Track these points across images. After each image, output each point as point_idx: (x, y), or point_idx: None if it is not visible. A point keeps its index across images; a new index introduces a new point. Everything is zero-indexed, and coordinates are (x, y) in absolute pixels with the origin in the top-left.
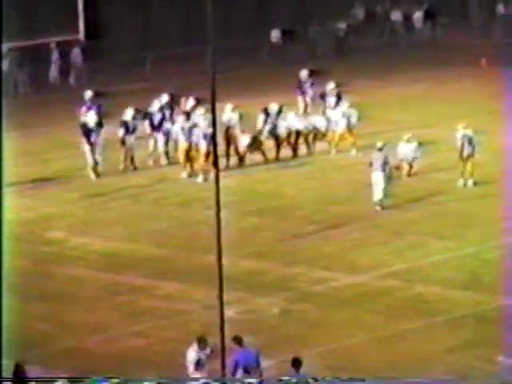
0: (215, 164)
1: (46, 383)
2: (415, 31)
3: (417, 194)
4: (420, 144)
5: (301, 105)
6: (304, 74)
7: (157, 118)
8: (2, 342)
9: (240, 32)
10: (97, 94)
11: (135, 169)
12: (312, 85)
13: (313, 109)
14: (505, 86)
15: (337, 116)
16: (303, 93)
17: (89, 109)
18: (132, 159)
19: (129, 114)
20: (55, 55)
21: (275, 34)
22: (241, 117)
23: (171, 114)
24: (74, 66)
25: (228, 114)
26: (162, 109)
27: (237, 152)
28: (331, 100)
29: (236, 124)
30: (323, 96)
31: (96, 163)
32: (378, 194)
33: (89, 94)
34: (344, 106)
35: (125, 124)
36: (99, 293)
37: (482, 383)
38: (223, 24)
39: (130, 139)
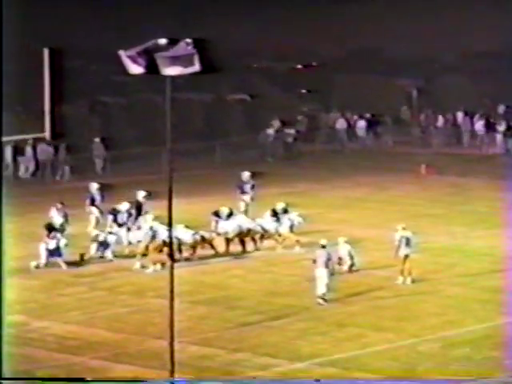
0: (171, 256)
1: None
2: (358, 139)
3: (358, 289)
4: (353, 247)
5: (242, 204)
6: (245, 175)
7: (123, 216)
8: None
9: (194, 137)
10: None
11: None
12: (253, 186)
13: (253, 209)
14: (442, 192)
15: (283, 220)
16: (243, 193)
17: (92, 201)
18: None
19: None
20: (29, 152)
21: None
22: None
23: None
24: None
25: None
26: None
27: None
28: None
29: None
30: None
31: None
32: (321, 288)
33: (94, 186)
34: (291, 212)
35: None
36: (55, 372)
37: (481, 383)
38: (179, 128)
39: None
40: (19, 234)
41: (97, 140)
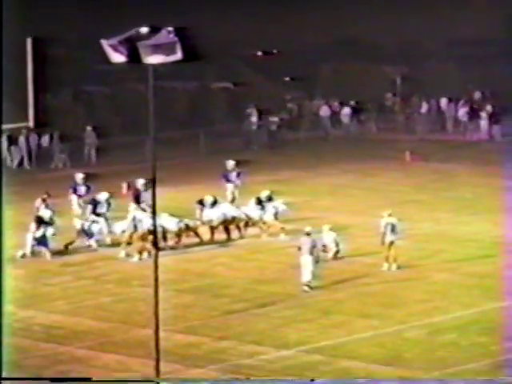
0: (155, 244)
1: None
2: (343, 126)
3: (343, 276)
4: (338, 234)
5: (228, 193)
6: (230, 164)
7: (102, 206)
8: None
9: (178, 125)
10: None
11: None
12: (238, 174)
13: (240, 197)
14: (427, 178)
15: (268, 207)
16: (229, 181)
17: (75, 190)
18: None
19: None
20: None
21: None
22: None
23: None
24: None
25: None
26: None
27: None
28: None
29: None
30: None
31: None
32: (306, 275)
33: (79, 176)
34: (276, 200)
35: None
36: (41, 362)
37: (482, 383)
38: (162, 117)
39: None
40: (6, 223)
41: (89, 128)
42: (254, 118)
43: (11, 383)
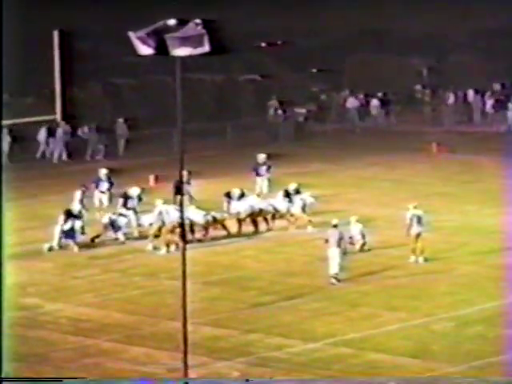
0: (183, 237)
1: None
2: (370, 118)
3: (370, 268)
4: (365, 226)
5: (257, 186)
6: (261, 157)
7: (133, 201)
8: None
9: (205, 117)
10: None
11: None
12: (269, 168)
13: (270, 190)
14: (453, 170)
15: (296, 200)
16: (259, 175)
17: (97, 185)
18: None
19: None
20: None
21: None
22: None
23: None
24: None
25: None
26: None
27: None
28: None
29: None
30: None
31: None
32: (333, 267)
33: (103, 171)
34: (303, 193)
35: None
36: (69, 355)
37: (483, 382)
38: (190, 109)
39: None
40: (34, 216)
41: (120, 120)
42: (278, 111)
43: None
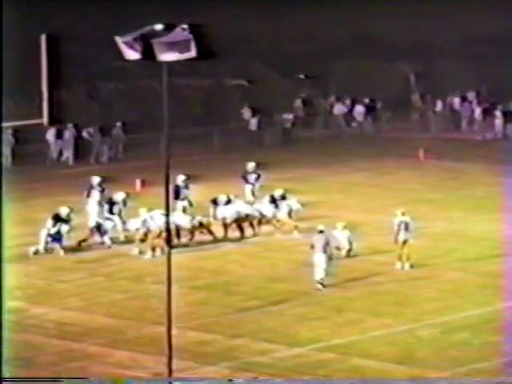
0: (168, 241)
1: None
2: (357, 124)
3: (356, 274)
4: (352, 232)
5: (247, 193)
6: (250, 166)
7: (119, 206)
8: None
9: (192, 122)
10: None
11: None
12: (258, 177)
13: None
14: (440, 177)
15: (282, 205)
16: (248, 183)
17: (88, 194)
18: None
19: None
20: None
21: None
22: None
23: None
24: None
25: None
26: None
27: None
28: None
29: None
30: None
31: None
32: (319, 273)
33: (96, 180)
34: (290, 198)
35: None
36: (54, 359)
37: (481, 383)
38: (177, 114)
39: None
40: (21, 220)
41: (118, 124)
42: (252, 119)
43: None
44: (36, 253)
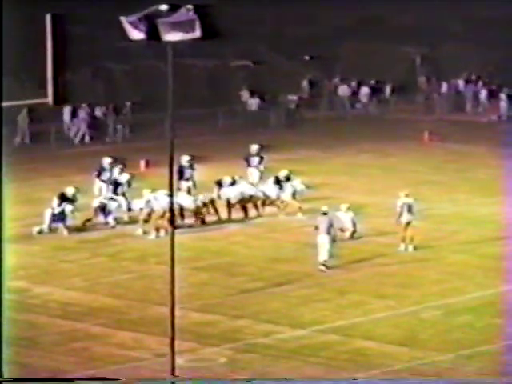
0: (171, 222)
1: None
2: (362, 105)
3: (360, 256)
4: (356, 213)
5: (249, 176)
6: (254, 148)
7: (123, 187)
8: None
9: (197, 103)
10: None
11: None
12: (261, 159)
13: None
14: (445, 159)
15: (286, 187)
16: (250, 165)
17: (99, 174)
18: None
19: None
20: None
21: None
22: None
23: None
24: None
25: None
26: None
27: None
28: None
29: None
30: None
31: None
32: (323, 254)
33: (107, 161)
34: (294, 179)
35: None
36: (57, 339)
37: (480, 383)
38: (181, 95)
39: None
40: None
41: (128, 104)
42: (250, 100)
43: None
44: (40, 232)
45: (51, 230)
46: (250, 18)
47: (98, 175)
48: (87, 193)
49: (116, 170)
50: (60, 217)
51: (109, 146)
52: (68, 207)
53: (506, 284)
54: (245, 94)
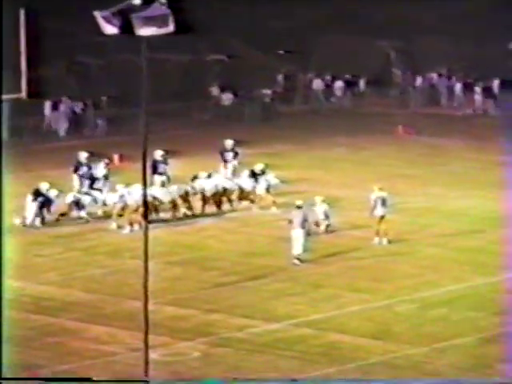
0: (145, 216)
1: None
2: (336, 99)
3: (334, 249)
4: (330, 206)
5: (224, 171)
6: (228, 143)
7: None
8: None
9: (171, 97)
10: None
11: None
12: (236, 155)
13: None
14: (419, 152)
15: (261, 180)
16: (225, 161)
17: (76, 169)
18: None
19: None
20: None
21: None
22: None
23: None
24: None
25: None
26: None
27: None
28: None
29: None
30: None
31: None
32: (297, 248)
33: (83, 155)
34: (268, 174)
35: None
36: (31, 334)
37: (481, 383)
38: (156, 90)
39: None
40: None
41: (103, 98)
42: (223, 95)
43: (11, 383)
44: (24, 226)
45: (25, 225)
46: (225, 12)
47: (75, 170)
48: (64, 187)
49: (93, 165)
50: (35, 212)
51: (84, 140)
52: (42, 201)
53: (480, 277)
54: (214, 90)
